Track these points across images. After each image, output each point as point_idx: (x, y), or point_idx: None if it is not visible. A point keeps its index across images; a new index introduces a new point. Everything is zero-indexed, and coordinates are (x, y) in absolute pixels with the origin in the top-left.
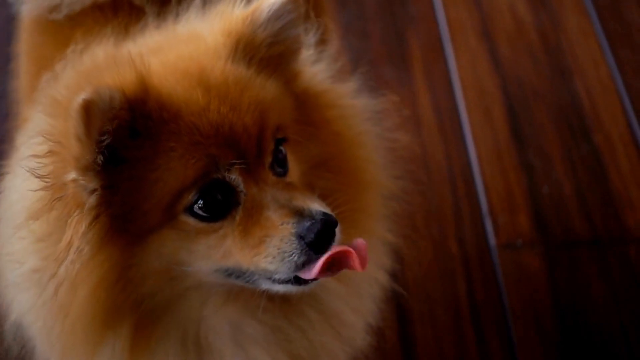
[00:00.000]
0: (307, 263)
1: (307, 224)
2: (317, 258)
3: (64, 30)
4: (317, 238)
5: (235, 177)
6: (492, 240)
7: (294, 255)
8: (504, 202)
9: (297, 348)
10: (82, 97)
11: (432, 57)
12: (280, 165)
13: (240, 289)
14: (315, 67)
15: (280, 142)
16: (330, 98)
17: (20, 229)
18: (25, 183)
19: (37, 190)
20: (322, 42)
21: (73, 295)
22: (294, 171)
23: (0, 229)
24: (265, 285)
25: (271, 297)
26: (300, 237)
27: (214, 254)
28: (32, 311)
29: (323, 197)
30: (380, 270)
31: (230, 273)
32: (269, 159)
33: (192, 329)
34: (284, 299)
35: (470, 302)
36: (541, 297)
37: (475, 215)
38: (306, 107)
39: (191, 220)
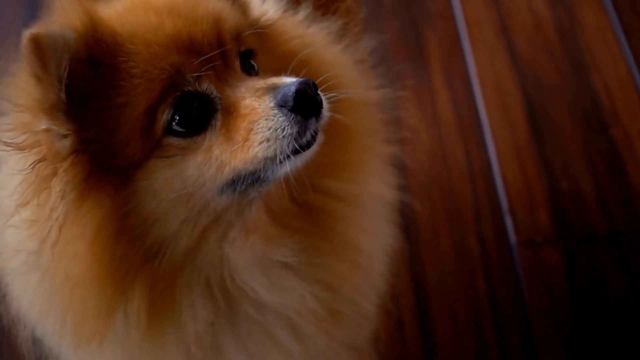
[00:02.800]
0: (302, 132)
1: (282, 90)
2: (309, 123)
3: None
4: (296, 99)
5: (206, 85)
6: (512, 237)
7: (285, 128)
8: (523, 198)
9: (327, 276)
10: (29, 31)
11: (450, 54)
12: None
13: (256, 219)
14: (265, 5)
15: (247, 55)
16: (286, 30)
17: (12, 220)
18: (6, 173)
19: (18, 167)
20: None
21: (72, 257)
22: None
23: None
24: (272, 174)
25: (287, 224)
26: (282, 107)
27: (207, 171)
28: (37, 295)
29: None
30: (385, 187)
31: (236, 185)
32: (237, 63)
33: (215, 273)
34: (296, 230)
35: (490, 298)
36: (561, 293)
37: (495, 212)
38: (270, 41)
39: (173, 140)
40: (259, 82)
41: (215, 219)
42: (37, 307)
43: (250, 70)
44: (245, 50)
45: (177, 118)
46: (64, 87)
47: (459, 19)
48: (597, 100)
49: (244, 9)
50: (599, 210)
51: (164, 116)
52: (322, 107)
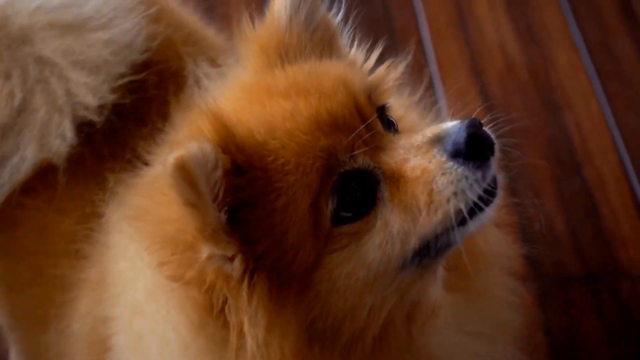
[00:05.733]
0: (484, 175)
1: (451, 139)
2: (489, 163)
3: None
4: (469, 145)
5: (361, 159)
6: None
7: (467, 177)
8: None
9: (497, 334)
10: (171, 157)
11: (422, 97)
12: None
13: (439, 296)
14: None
15: (383, 110)
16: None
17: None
18: (157, 310)
19: (180, 300)
20: None
21: None
22: None
23: None
24: (459, 235)
25: (449, 287)
26: (455, 157)
27: (390, 249)
28: None
29: None
30: (505, 247)
31: (422, 255)
32: (379, 125)
33: None
34: (456, 290)
35: None
36: (534, 334)
37: None
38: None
39: (343, 229)
40: (416, 138)
41: (400, 299)
42: None
43: (390, 127)
44: (381, 107)
45: (342, 203)
46: (222, 207)
47: (432, 62)
48: (570, 140)
49: (356, 67)
50: (572, 251)
51: (329, 206)
52: (495, 144)
